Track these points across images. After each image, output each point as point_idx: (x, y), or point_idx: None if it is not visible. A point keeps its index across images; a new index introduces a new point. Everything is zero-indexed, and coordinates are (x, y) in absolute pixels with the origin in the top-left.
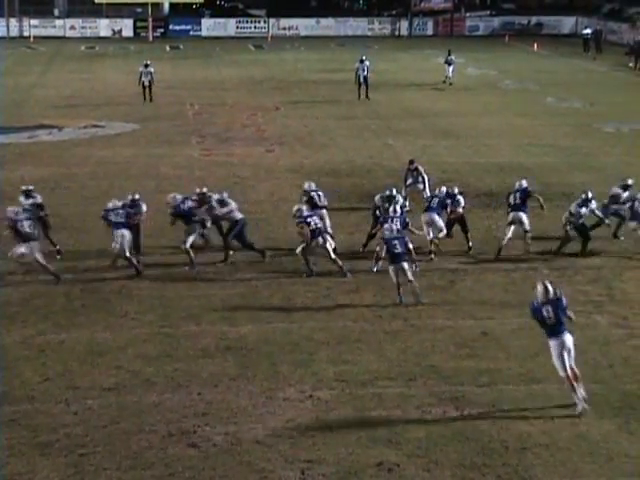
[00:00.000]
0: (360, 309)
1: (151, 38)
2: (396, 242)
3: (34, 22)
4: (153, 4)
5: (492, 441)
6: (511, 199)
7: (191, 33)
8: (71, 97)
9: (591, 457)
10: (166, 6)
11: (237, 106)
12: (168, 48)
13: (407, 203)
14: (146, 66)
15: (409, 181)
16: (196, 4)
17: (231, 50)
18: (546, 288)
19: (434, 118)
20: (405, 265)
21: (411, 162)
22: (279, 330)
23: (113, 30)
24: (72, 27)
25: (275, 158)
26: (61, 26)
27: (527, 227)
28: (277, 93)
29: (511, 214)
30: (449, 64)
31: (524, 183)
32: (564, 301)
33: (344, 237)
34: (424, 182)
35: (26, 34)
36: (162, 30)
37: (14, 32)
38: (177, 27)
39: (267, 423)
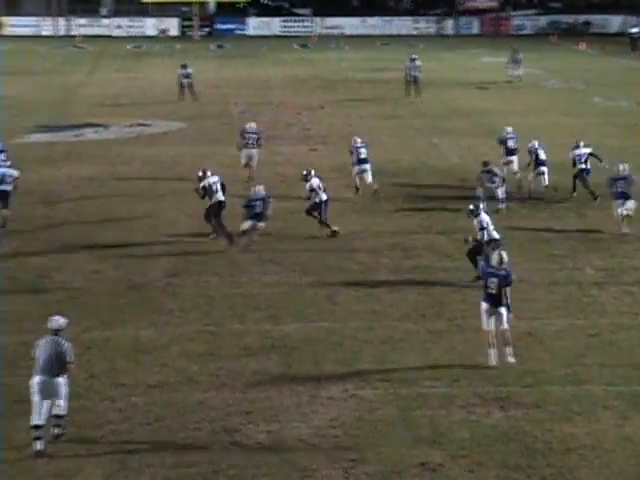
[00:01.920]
0: (404, 308)
1: (197, 37)
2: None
3: (81, 21)
4: (199, 3)
5: (536, 442)
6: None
7: (237, 32)
8: (117, 96)
9: (636, 459)
10: (212, 5)
11: (282, 105)
12: (214, 47)
13: (484, 205)
14: (183, 67)
15: (485, 184)
16: (242, 3)
17: (276, 49)
18: (501, 258)
19: (479, 117)
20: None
21: (485, 164)
22: (323, 329)
23: (159, 29)
24: (119, 26)
25: (319, 157)
26: (108, 25)
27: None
28: (322, 92)
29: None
30: (516, 62)
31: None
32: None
33: (388, 236)
34: (500, 183)
35: (73, 33)
36: (208, 29)
37: (61, 31)
38: (223, 26)
39: (310, 422)
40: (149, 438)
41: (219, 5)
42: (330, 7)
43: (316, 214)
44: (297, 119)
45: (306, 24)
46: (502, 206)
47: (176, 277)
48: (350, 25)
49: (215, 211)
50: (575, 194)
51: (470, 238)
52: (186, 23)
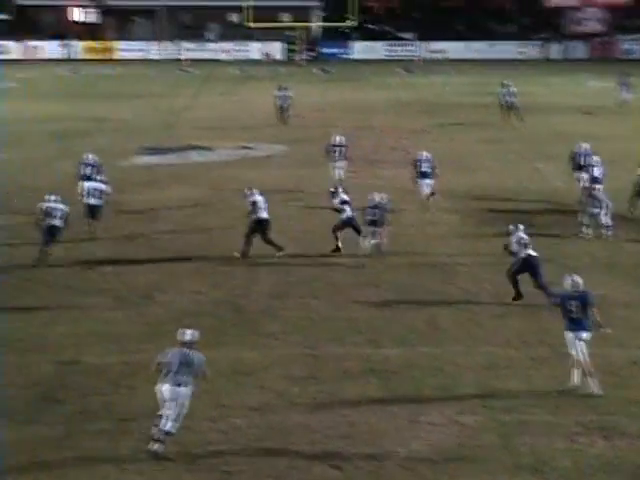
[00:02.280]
0: (505, 334)
1: (302, 61)
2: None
3: (188, 46)
4: (304, 28)
5: None
6: None
7: (341, 56)
8: (222, 119)
9: None
10: (317, 30)
11: (385, 129)
12: (318, 71)
13: (590, 232)
14: (280, 89)
15: (589, 209)
16: (347, 27)
17: (380, 73)
18: (574, 281)
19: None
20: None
21: (587, 189)
22: (423, 354)
23: (264, 53)
24: (225, 50)
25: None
26: (214, 49)
27: None
28: (425, 116)
29: None
30: (625, 86)
31: None
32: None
33: (492, 260)
34: (604, 209)
35: (180, 57)
36: (313, 53)
37: (169, 55)
38: (327, 50)
39: (410, 447)
40: (249, 460)
41: (324, 30)
42: (434, 31)
43: (339, 232)
44: (400, 143)
45: (410, 48)
46: (606, 232)
47: (277, 299)
48: (454, 49)
49: (255, 227)
50: None
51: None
52: (291, 47)
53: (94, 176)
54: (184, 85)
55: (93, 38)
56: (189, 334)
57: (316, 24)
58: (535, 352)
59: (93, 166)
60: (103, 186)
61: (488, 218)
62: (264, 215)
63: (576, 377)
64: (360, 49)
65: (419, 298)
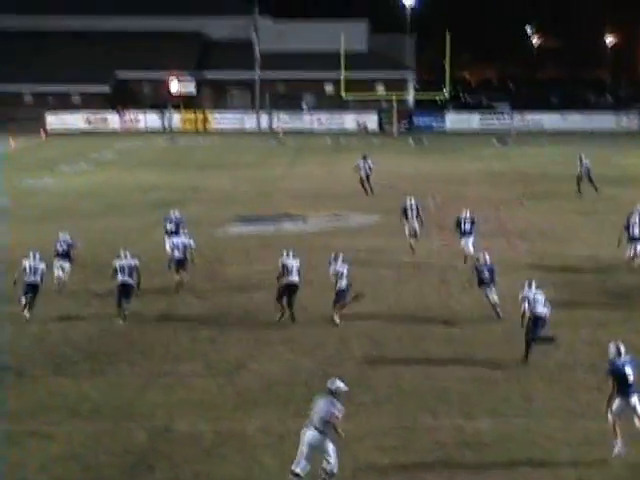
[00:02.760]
0: (602, 409)
1: (395, 132)
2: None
3: (283, 116)
4: (398, 99)
5: None
6: None
7: (435, 127)
8: (316, 188)
9: None
10: (411, 101)
11: (479, 199)
12: (412, 142)
13: None
14: (364, 158)
15: None
16: (441, 99)
17: (474, 144)
18: (618, 348)
19: None
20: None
21: None
22: (518, 426)
23: (358, 124)
24: (319, 121)
25: (516, 252)
26: (309, 120)
27: None
28: (520, 187)
29: None
30: None
31: None
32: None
33: (587, 332)
34: None
35: (275, 128)
36: (406, 124)
37: (264, 125)
38: (421, 121)
39: None
40: None
41: (418, 101)
42: (529, 102)
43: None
44: (494, 213)
45: (505, 119)
46: None
47: (368, 367)
48: (549, 120)
49: (284, 290)
50: None
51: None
52: (385, 118)
53: (178, 231)
54: (279, 155)
55: (190, 109)
56: (335, 383)
57: (410, 95)
58: (632, 427)
59: (177, 223)
60: (188, 241)
61: (583, 289)
62: (294, 279)
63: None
64: (454, 120)
65: (512, 369)
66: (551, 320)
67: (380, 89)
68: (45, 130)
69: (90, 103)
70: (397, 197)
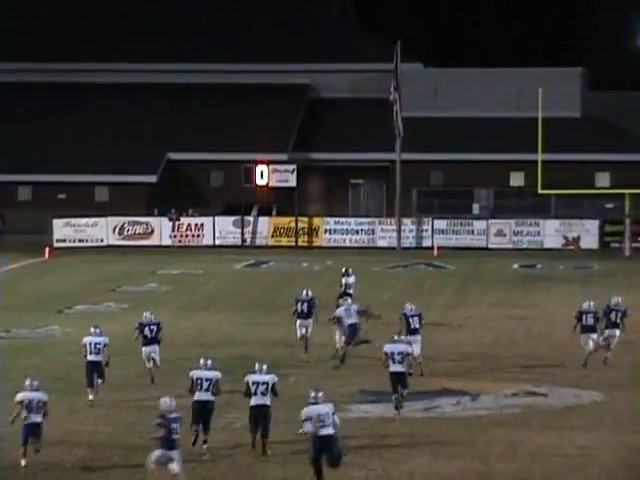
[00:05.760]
0: None
1: (628, 251)
2: None
3: (440, 225)
4: (633, 197)
5: None
6: None
7: None
8: (493, 345)
9: None
10: None
11: None
12: None
13: None
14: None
15: None
16: None
17: None
18: None
19: None
20: None
21: None
22: None
23: (566, 238)
24: (499, 232)
25: None
26: (481, 230)
27: None
28: None
29: None
30: None
31: None
32: None
33: None
34: None
35: (427, 244)
36: None
37: (409, 240)
38: None
39: None
40: None
41: None
42: None
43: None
44: None
45: None
46: None
47: None
48: None
49: None
50: None
51: None
52: (609, 229)
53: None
54: (433, 286)
55: (287, 212)
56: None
57: None
58: None
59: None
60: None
61: None
62: None
63: None
64: None
65: None
66: None
67: (603, 179)
68: (50, 245)
69: (124, 202)
70: (635, 365)
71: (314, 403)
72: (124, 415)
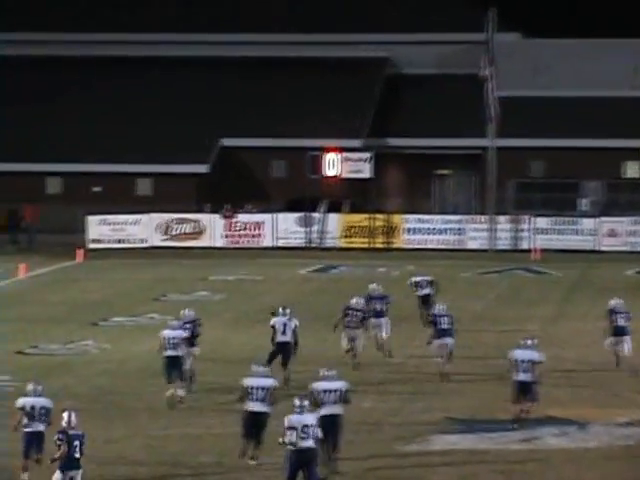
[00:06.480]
0: None
1: None
2: None
3: (541, 223)
4: None
5: None
6: None
7: None
8: (602, 364)
9: None
10: None
11: None
12: None
13: None
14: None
15: None
16: None
17: None
18: None
19: None
20: None
21: None
22: None
23: None
24: (611, 233)
25: None
26: (591, 230)
27: None
28: None
29: None
30: None
31: None
32: None
33: None
34: None
35: (525, 246)
36: None
37: (504, 242)
38: None
39: None
40: None
41: None
42: None
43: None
44: None
45: None
46: None
47: None
48: None
49: None
50: None
51: None
52: None
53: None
54: (530, 295)
55: (361, 209)
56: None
57: None
58: None
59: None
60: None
61: None
62: None
63: None
64: None
65: None
66: None
67: None
68: (83, 246)
69: (170, 196)
70: None
71: (299, 413)
72: (170, 444)
